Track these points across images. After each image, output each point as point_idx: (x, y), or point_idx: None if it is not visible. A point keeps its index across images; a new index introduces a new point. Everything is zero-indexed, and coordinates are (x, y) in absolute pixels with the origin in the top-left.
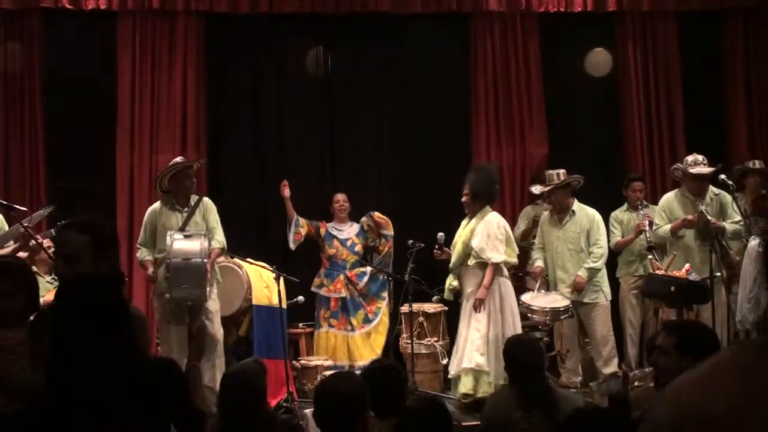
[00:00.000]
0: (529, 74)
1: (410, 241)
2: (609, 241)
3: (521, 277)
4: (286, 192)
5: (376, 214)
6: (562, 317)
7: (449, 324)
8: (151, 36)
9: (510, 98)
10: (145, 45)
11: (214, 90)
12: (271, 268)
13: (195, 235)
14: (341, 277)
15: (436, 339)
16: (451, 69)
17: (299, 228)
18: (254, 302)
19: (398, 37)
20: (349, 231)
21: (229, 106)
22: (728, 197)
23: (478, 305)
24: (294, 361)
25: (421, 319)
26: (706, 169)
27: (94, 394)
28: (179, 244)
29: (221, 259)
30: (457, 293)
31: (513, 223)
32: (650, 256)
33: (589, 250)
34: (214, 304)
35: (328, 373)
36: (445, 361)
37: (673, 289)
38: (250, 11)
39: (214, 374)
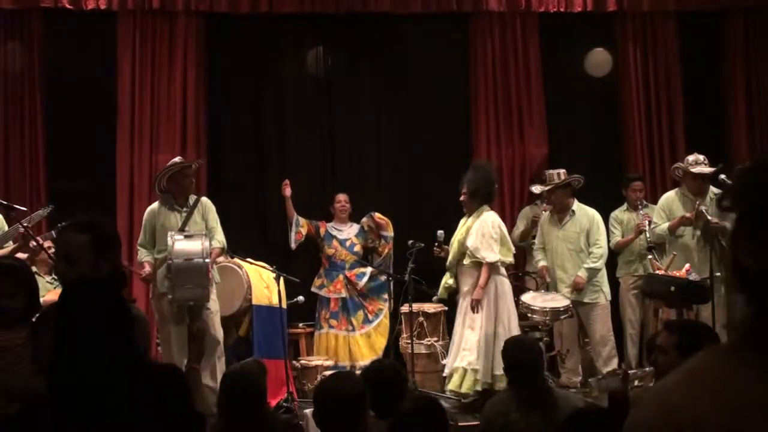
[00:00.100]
0: (529, 74)
1: (410, 241)
2: (609, 241)
3: (521, 277)
4: (288, 191)
5: (377, 215)
6: (562, 317)
7: (449, 324)
8: (151, 36)
9: (510, 98)
10: (145, 45)
11: (214, 90)
12: (271, 268)
13: (196, 235)
14: (341, 277)
15: (436, 339)
16: (451, 69)
17: (300, 227)
18: (254, 302)
19: (398, 37)
20: (348, 231)
21: (229, 105)
22: None
23: (475, 305)
24: (294, 361)
25: (421, 319)
26: (706, 169)
27: (94, 396)
28: (180, 244)
29: (221, 259)
30: (453, 292)
31: (512, 223)
32: (650, 256)
33: (588, 251)
34: (214, 305)
35: (328, 373)
36: (444, 361)
37: (673, 289)
38: (250, 11)
39: (215, 374)
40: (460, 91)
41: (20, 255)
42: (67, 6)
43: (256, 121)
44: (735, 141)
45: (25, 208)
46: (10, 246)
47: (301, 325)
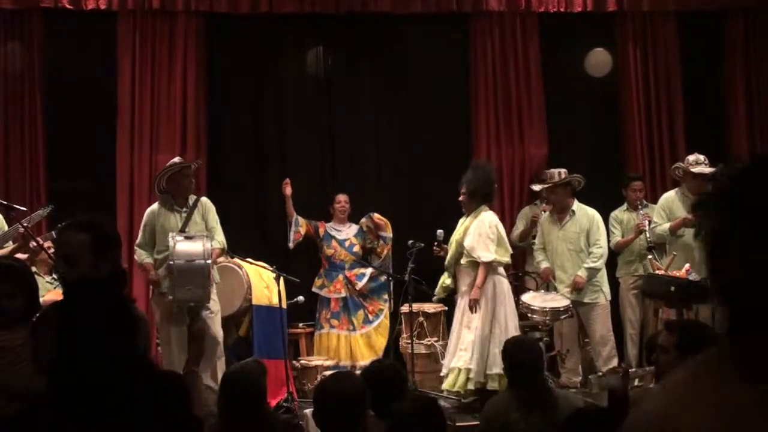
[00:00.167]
0: (529, 74)
1: (410, 241)
2: (609, 241)
3: (521, 277)
4: (288, 190)
5: (376, 216)
6: (562, 317)
7: (449, 324)
8: (151, 36)
9: (510, 98)
10: (145, 45)
11: (214, 90)
12: (271, 268)
13: (197, 236)
14: (340, 277)
15: (436, 339)
16: (451, 69)
17: (299, 227)
18: (254, 302)
19: (398, 37)
20: (347, 231)
21: (229, 105)
22: None
23: (473, 305)
24: (294, 361)
25: (421, 319)
26: (707, 169)
27: (94, 396)
28: (182, 245)
29: (221, 259)
30: (451, 292)
31: (512, 222)
32: (650, 256)
33: (589, 251)
34: (214, 305)
35: (328, 373)
36: (444, 361)
37: (673, 289)
38: (250, 11)
39: (215, 374)
40: (460, 91)
41: (20, 255)
42: (67, 6)
43: (256, 121)
44: (735, 141)
45: (25, 208)
46: (10, 246)
47: (301, 325)
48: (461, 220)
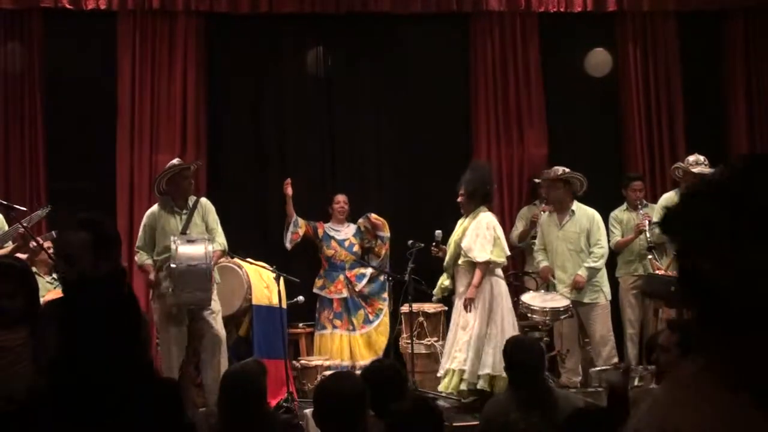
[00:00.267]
0: (528, 74)
1: (410, 241)
2: (609, 240)
3: (521, 277)
4: (289, 190)
5: (373, 216)
6: (562, 317)
7: (449, 324)
8: (151, 36)
9: (510, 98)
10: (145, 45)
11: (214, 90)
12: (271, 268)
13: (199, 239)
14: (341, 277)
15: (436, 339)
16: (451, 69)
17: (297, 228)
18: (254, 302)
19: (398, 37)
20: (346, 232)
21: (229, 105)
22: None
23: (468, 304)
24: (294, 361)
25: (421, 319)
26: (707, 170)
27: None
28: (183, 248)
29: (221, 259)
30: (449, 293)
31: (511, 223)
32: (650, 256)
33: (589, 250)
34: (215, 305)
35: (328, 373)
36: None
37: (673, 289)
38: (250, 11)
39: (216, 374)
40: (460, 91)
41: (20, 255)
42: (67, 6)
43: (256, 121)
44: (735, 141)
45: (25, 208)
46: (10, 246)
47: (301, 325)
48: (460, 221)
